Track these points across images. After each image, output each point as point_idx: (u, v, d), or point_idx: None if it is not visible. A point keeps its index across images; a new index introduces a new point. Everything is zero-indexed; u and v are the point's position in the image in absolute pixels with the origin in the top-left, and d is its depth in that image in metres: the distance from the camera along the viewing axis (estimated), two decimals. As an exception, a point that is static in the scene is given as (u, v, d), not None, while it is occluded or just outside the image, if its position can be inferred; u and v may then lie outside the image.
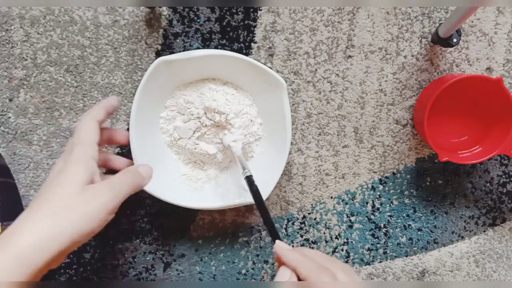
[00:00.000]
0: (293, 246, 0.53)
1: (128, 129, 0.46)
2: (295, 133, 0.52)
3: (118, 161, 0.46)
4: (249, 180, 0.44)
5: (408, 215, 0.54)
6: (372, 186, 0.53)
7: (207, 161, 0.50)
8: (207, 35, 0.49)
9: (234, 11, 0.49)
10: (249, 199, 0.46)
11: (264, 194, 0.45)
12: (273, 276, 0.53)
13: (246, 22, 0.50)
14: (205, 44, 0.49)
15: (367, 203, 0.54)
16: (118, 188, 0.37)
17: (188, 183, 0.50)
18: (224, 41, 0.50)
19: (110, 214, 0.36)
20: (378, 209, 0.54)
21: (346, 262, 0.54)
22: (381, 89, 0.52)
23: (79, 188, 0.35)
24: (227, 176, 0.50)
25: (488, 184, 0.54)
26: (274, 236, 0.41)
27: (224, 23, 0.49)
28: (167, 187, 0.47)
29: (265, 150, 0.50)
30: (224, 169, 0.51)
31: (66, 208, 0.34)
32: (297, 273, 0.37)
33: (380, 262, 0.54)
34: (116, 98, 0.44)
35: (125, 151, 0.51)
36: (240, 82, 0.48)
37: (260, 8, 0.49)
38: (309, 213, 0.53)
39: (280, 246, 0.39)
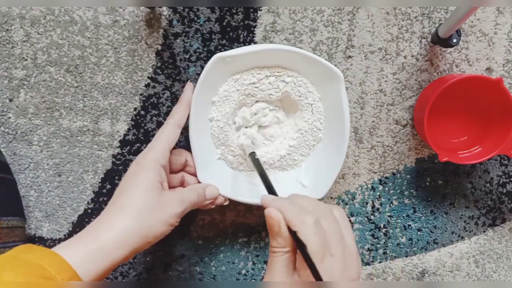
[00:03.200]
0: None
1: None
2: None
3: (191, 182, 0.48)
4: (253, 155, 0.45)
5: (408, 215, 0.54)
6: (372, 187, 0.53)
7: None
8: (207, 35, 0.49)
9: (234, 11, 0.49)
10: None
11: (323, 191, 0.48)
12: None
13: (246, 22, 0.50)
14: (205, 44, 0.50)
15: (367, 203, 0.54)
16: (185, 202, 0.41)
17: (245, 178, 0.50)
18: (224, 41, 0.50)
19: (177, 222, 0.41)
20: (378, 209, 0.54)
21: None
22: (381, 89, 0.52)
23: (154, 194, 0.39)
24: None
25: (488, 184, 0.54)
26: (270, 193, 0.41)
27: (224, 23, 0.49)
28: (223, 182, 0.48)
29: (322, 145, 0.50)
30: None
31: (141, 211, 0.38)
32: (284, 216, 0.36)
33: (380, 262, 0.54)
34: (191, 86, 0.46)
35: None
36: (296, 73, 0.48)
37: (260, 8, 0.49)
38: (309, 213, 0.53)
39: (266, 196, 0.38)
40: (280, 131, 0.50)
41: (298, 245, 0.34)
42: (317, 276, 0.32)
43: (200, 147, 0.46)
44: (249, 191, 0.49)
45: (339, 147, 0.47)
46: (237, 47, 0.50)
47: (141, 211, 0.38)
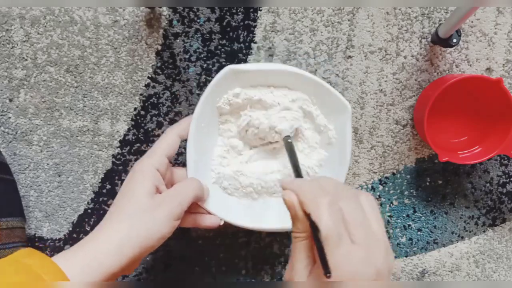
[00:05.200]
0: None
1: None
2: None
3: (180, 175, 0.46)
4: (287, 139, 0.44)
5: (408, 215, 0.54)
6: (372, 187, 0.53)
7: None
8: (207, 35, 0.49)
9: (234, 11, 0.49)
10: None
11: None
12: (272, 277, 0.53)
13: (246, 22, 0.50)
14: (205, 44, 0.50)
15: (367, 203, 0.54)
16: (181, 196, 0.40)
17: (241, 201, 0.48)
18: (224, 41, 0.50)
19: (176, 220, 0.39)
20: (378, 209, 0.54)
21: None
22: (381, 89, 0.52)
23: (147, 198, 0.38)
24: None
25: (488, 184, 0.54)
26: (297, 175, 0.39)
27: (224, 23, 0.49)
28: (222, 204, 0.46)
29: (320, 172, 0.48)
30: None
31: (136, 216, 0.37)
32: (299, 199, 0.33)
33: (380, 262, 0.54)
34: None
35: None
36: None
37: (260, 8, 0.49)
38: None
39: (286, 178, 0.37)
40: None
41: (312, 229, 0.31)
42: (325, 268, 0.29)
43: (195, 165, 0.45)
44: (244, 214, 0.47)
45: (337, 175, 0.46)
46: (237, 47, 0.50)
47: (136, 217, 0.37)
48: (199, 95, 0.50)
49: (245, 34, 0.50)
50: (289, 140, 0.44)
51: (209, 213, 0.45)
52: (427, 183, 0.54)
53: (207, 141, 0.47)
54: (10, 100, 0.49)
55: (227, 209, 0.46)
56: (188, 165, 0.45)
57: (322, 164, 0.48)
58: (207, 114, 0.45)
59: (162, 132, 0.51)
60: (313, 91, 0.46)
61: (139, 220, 0.37)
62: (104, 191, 0.51)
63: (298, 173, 0.39)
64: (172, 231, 0.39)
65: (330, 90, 0.45)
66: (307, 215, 0.32)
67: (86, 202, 0.51)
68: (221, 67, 0.50)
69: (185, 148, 0.45)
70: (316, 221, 0.30)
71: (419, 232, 0.54)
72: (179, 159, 0.51)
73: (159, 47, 0.49)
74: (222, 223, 0.46)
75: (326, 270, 0.29)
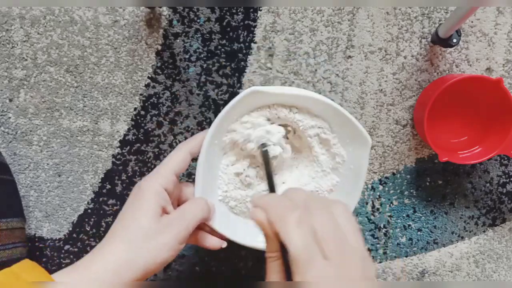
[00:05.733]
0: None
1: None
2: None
3: (187, 192, 0.44)
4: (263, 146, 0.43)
5: (408, 215, 0.54)
6: (372, 187, 0.53)
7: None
8: (207, 35, 0.49)
9: (234, 11, 0.49)
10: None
11: None
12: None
13: (246, 22, 0.50)
14: (205, 44, 0.49)
15: (366, 203, 0.54)
16: (188, 219, 0.38)
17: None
18: (224, 41, 0.50)
19: (181, 244, 0.37)
20: (378, 209, 0.54)
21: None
22: (381, 89, 0.52)
23: (152, 220, 0.36)
24: None
25: (488, 184, 0.54)
26: (270, 189, 0.37)
27: (224, 23, 0.49)
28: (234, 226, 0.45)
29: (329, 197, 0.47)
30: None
31: (141, 238, 0.35)
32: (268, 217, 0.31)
33: (380, 262, 0.54)
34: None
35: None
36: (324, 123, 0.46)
37: (260, 8, 0.49)
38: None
39: (257, 195, 0.35)
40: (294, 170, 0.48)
41: (281, 250, 0.30)
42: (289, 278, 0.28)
43: (204, 182, 0.43)
44: (249, 234, 0.45)
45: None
46: (237, 47, 0.50)
47: (139, 241, 0.35)
48: (199, 95, 0.50)
49: (245, 34, 0.50)
50: (264, 149, 0.42)
51: (214, 230, 0.43)
52: (427, 183, 0.54)
53: (217, 159, 0.45)
54: (10, 100, 0.49)
55: (233, 228, 0.44)
56: (197, 183, 0.42)
57: (333, 190, 0.47)
58: (221, 132, 0.43)
59: (162, 133, 0.51)
60: (334, 118, 0.44)
61: (142, 244, 0.35)
62: (104, 191, 0.51)
63: (270, 186, 0.37)
64: (176, 254, 0.37)
65: (352, 121, 0.43)
66: (276, 234, 0.30)
67: (86, 202, 0.51)
68: (221, 67, 0.50)
69: (194, 167, 0.43)
70: (284, 242, 0.29)
71: (419, 232, 0.54)
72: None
73: (159, 47, 0.49)
74: (224, 245, 0.43)
75: None
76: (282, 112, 0.44)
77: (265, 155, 0.42)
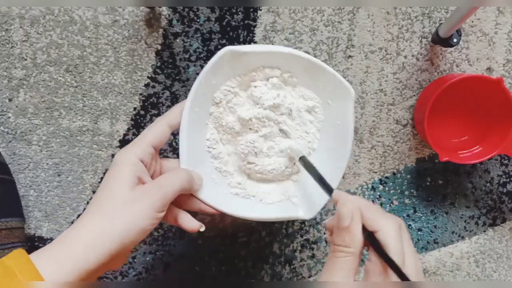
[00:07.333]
0: (293, 246, 0.53)
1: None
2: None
3: (170, 167, 0.42)
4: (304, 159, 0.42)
5: (408, 215, 0.54)
6: (372, 186, 0.53)
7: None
8: (207, 35, 0.49)
9: (234, 11, 0.49)
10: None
11: (312, 213, 0.43)
12: (272, 277, 0.53)
13: (246, 22, 0.49)
14: (205, 44, 0.49)
15: (367, 203, 0.53)
16: (165, 187, 0.37)
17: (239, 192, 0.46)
18: (224, 41, 0.50)
19: (159, 213, 0.36)
20: (378, 209, 0.54)
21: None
22: (381, 89, 0.51)
23: (127, 189, 0.35)
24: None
25: (488, 184, 0.54)
26: (328, 190, 0.37)
27: (224, 23, 0.49)
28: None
29: (318, 162, 0.43)
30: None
31: (115, 209, 0.34)
32: (361, 213, 0.32)
33: (380, 262, 0.54)
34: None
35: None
36: (304, 82, 0.44)
37: (260, 8, 0.49)
38: (309, 213, 0.53)
39: (341, 192, 0.35)
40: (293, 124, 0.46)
41: (375, 247, 0.30)
42: (404, 277, 0.29)
43: (189, 153, 0.41)
44: (241, 204, 0.44)
45: (335, 172, 0.43)
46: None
47: (113, 211, 0.34)
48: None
49: (245, 34, 0.50)
50: (306, 159, 0.41)
51: (203, 203, 0.42)
52: (428, 183, 0.54)
53: (201, 128, 0.43)
54: (10, 100, 0.49)
55: (222, 199, 0.43)
56: (181, 155, 0.41)
57: (318, 148, 0.45)
58: (201, 99, 0.42)
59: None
60: (318, 76, 0.42)
61: (116, 214, 0.34)
62: (104, 191, 0.51)
63: (328, 189, 0.36)
64: (156, 224, 0.36)
65: (332, 73, 0.41)
66: (367, 233, 0.31)
67: (85, 202, 0.51)
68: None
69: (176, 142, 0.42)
70: (382, 240, 0.30)
71: (419, 232, 0.54)
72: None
73: (159, 47, 0.49)
74: (202, 229, 0.41)
75: (406, 278, 0.29)
76: (266, 73, 0.43)
77: (307, 164, 0.41)
